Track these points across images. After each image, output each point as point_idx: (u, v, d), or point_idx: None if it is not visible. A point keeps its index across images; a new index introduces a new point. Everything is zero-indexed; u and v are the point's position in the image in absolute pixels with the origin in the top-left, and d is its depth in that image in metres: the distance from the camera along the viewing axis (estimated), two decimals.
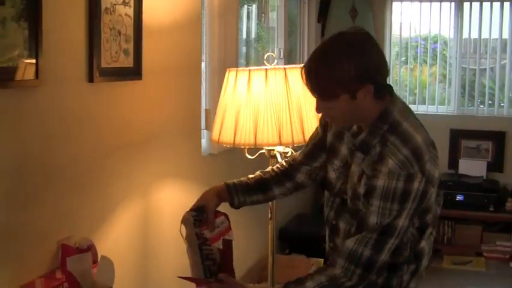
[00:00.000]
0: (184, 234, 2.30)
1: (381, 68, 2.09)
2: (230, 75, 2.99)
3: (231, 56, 3.87)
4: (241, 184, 2.44)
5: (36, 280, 2.27)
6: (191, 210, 2.33)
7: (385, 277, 2.20)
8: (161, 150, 3.14)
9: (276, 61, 3.05)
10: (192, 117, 3.53)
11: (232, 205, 2.43)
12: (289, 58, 5.66)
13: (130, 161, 2.88)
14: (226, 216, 2.38)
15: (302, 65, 2.13)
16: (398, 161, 2.00)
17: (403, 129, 2.08)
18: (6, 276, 2.19)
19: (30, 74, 2.22)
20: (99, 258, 2.37)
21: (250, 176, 2.48)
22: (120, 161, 2.80)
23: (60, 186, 2.43)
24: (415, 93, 6.60)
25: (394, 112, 2.12)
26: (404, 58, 6.67)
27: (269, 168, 2.51)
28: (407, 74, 6.65)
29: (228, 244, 2.35)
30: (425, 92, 6.62)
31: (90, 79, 2.54)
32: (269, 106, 2.87)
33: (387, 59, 6.31)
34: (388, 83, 2.17)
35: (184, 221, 2.30)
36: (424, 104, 6.59)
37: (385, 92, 2.12)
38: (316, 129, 2.44)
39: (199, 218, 2.29)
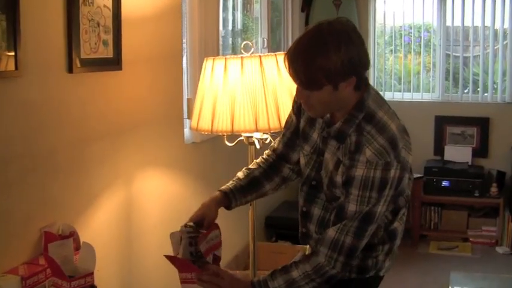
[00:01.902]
0: (175, 251, 2.29)
1: (365, 59, 2.09)
2: (207, 63, 3.03)
3: (212, 45, 3.91)
4: (236, 187, 2.45)
5: (19, 266, 2.30)
6: (191, 221, 2.31)
7: (360, 258, 2.24)
8: (144, 138, 3.19)
9: (252, 49, 3.09)
10: (174, 107, 3.58)
11: (228, 208, 2.46)
12: (277, 48, 5.70)
13: (113, 150, 2.92)
14: (219, 228, 2.38)
15: (285, 52, 2.12)
16: (376, 150, 2.05)
17: (378, 118, 2.11)
18: None
19: (10, 65, 2.26)
20: (81, 245, 2.41)
21: (240, 175, 2.49)
22: (103, 149, 2.84)
23: (42, 174, 2.47)
24: (401, 82, 6.64)
25: (369, 101, 2.14)
26: (390, 47, 6.70)
27: (254, 163, 2.53)
28: (393, 62, 6.68)
29: (216, 260, 2.34)
30: (412, 80, 6.66)
31: (70, 70, 2.59)
32: (245, 93, 2.91)
33: (371, 48, 6.33)
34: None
35: (176, 240, 2.28)
36: (410, 91, 6.63)
37: (363, 83, 2.14)
38: (290, 115, 2.46)
39: (194, 235, 2.24)
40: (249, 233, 3.32)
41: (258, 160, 2.53)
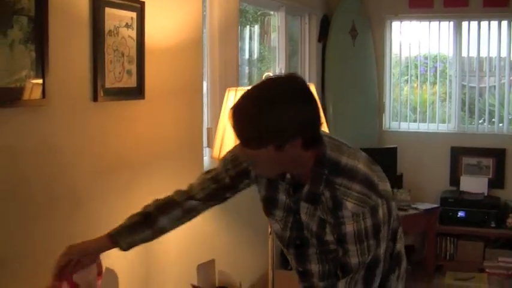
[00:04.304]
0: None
1: (313, 119, 1.94)
2: (230, 94, 3.08)
3: (232, 75, 3.96)
4: (123, 227, 2.26)
5: None
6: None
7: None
8: (164, 167, 3.22)
9: None
10: (194, 136, 3.61)
11: (122, 249, 2.26)
12: None
13: (133, 178, 2.95)
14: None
15: (230, 107, 1.94)
16: (356, 200, 1.93)
17: (343, 165, 1.99)
18: None
19: (37, 94, 2.32)
20: (103, 271, 2.43)
21: (131, 215, 2.31)
22: (124, 177, 2.88)
23: (65, 202, 2.51)
24: (416, 112, 6.66)
25: (327, 153, 2.00)
26: (406, 77, 6.74)
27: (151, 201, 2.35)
28: (408, 92, 6.71)
29: None
30: (427, 110, 6.69)
31: (95, 98, 2.64)
32: None
33: (387, 78, 6.32)
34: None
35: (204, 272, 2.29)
36: (425, 122, 6.64)
37: (316, 142, 1.98)
38: (221, 173, 2.28)
39: None
40: (268, 261, 3.33)
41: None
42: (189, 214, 2.34)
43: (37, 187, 2.36)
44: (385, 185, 2.02)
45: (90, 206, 2.67)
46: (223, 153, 2.99)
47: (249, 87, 1.96)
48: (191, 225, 3.51)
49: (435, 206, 6.04)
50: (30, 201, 2.35)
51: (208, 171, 2.34)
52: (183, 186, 2.34)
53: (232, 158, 2.25)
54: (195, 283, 2.46)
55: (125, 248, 2.25)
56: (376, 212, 1.95)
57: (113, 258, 2.71)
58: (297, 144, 1.90)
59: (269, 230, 3.24)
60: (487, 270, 5.97)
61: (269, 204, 2.20)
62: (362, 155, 2.07)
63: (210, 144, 3.68)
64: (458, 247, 6.18)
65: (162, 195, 3.14)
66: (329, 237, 2.04)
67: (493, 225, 6.04)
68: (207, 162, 3.77)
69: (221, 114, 3.12)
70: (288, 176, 2.09)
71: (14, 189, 2.27)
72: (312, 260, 2.17)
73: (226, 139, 3.03)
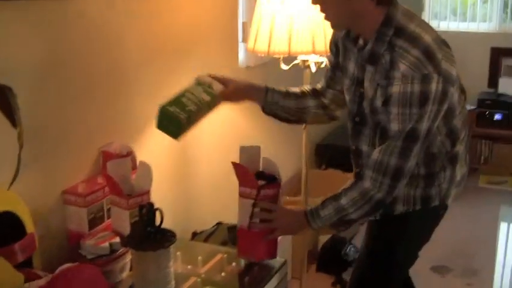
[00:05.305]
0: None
1: None
2: None
3: None
4: (280, 91, 2.48)
5: (78, 184, 2.34)
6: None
7: (422, 188, 2.22)
8: (200, 61, 3.16)
9: None
10: (230, 29, 3.54)
11: (264, 103, 2.47)
12: None
13: (168, 71, 2.91)
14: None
15: None
16: (410, 63, 1.94)
17: (410, 31, 2.00)
18: (50, 179, 2.26)
19: None
20: (137, 164, 2.43)
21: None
22: (159, 70, 2.84)
23: (101, 94, 2.48)
24: (456, 12, 6.46)
25: (398, 15, 2.04)
26: None
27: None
28: None
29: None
30: (468, 11, 6.47)
31: None
32: (303, 15, 2.85)
33: None
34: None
35: (247, 155, 2.31)
36: (465, 21, 6.45)
37: None
38: (330, 53, 2.42)
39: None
40: (302, 159, 3.31)
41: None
42: (324, 109, 2.51)
43: (71, 76, 2.32)
44: (448, 66, 1.98)
45: (127, 95, 2.64)
46: (258, 46, 2.93)
47: None
48: (225, 120, 3.52)
49: (472, 107, 5.93)
50: (69, 84, 2.31)
51: None
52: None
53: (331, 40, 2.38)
54: None
55: (269, 101, 2.47)
56: (427, 82, 1.93)
57: (146, 154, 2.71)
58: None
59: (303, 125, 3.20)
60: None
61: (342, 72, 2.30)
62: (434, 31, 2.06)
63: (245, 39, 3.61)
64: (493, 150, 6.10)
65: None
66: (378, 102, 2.05)
67: None
68: (242, 57, 3.71)
69: (256, 6, 3.03)
70: (361, 41, 2.15)
71: (53, 71, 2.23)
72: (364, 141, 2.22)
73: (261, 31, 2.94)
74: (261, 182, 2.22)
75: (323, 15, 2.12)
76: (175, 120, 2.16)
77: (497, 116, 6.00)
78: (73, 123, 2.35)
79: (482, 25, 6.43)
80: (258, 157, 2.31)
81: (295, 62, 3.15)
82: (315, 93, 2.50)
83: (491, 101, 6.05)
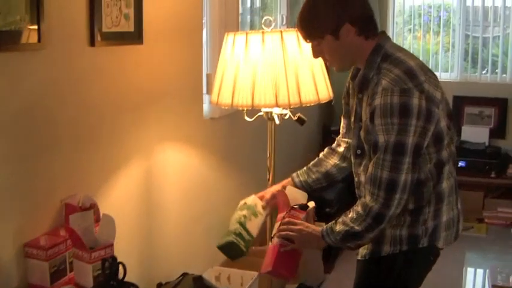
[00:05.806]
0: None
1: (362, 11, 2.29)
2: (228, 38, 3.03)
3: (232, 21, 3.90)
4: (302, 170, 2.74)
5: (40, 237, 2.32)
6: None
7: (407, 226, 2.29)
8: (163, 113, 3.19)
9: (273, 25, 3.08)
10: (194, 81, 3.57)
11: (297, 186, 2.71)
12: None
13: (133, 123, 2.93)
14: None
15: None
16: (390, 79, 2.11)
17: (395, 56, 2.21)
18: (11, 232, 2.25)
19: (33, 38, 2.26)
20: (101, 217, 2.44)
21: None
22: (123, 123, 2.86)
23: (63, 147, 2.49)
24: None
25: (387, 46, 2.26)
26: (409, 26, 6.67)
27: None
28: (411, 41, 6.65)
29: None
30: (430, 60, 6.62)
31: (92, 43, 2.59)
32: (266, 68, 2.90)
33: (390, 27, 6.30)
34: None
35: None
36: None
37: (370, 31, 2.28)
38: (343, 102, 2.57)
39: None
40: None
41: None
42: (345, 160, 2.68)
43: (35, 129, 2.33)
44: (431, 89, 2.14)
45: (89, 148, 2.65)
46: (222, 99, 2.97)
47: None
48: (190, 170, 3.54)
49: None
50: (32, 134, 2.32)
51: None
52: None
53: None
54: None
55: (299, 185, 2.73)
56: (407, 95, 2.07)
57: (109, 205, 2.72)
58: (350, 30, 2.23)
59: (267, 176, 3.23)
60: (486, 220, 6.01)
61: (349, 112, 2.48)
62: (420, 61, 2.25)
63: (210, 91, 3.66)
64: None
65: (161, 141, 3.17)
66: (368, 120, 2.19)
67: (493, 175, 6.04)
68: (206, 109, 3.75)
69: (220, 58, 3.08)
70: (355, 72, 2.39)
71: (16, 122, 2.24)
72: (364, 171, 2.32)
73: (225, 84, 2.99)
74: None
75: (324, 60, 2.39)
76: (240, 251, 2.61)
77: (461, 163, 6.09)
78: (36, 174, 2.35)
79: (445, 74, 6.57)
80: (302, 199, 2.63)
81: (259, 114, 3.19)
82: (332, 151, 2.73)
83: (455, 149, 6.10)
